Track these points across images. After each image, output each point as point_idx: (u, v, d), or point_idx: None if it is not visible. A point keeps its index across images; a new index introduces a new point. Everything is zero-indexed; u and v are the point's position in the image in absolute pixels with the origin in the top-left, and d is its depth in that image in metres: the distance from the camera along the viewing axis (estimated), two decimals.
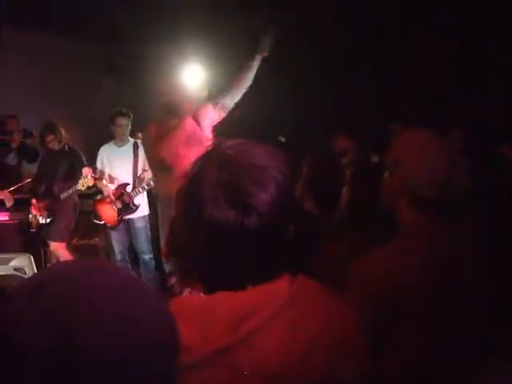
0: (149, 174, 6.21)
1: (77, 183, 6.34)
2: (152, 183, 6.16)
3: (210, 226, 1.18)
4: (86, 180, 6.29)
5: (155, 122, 4.33)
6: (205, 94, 4.82)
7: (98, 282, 0.84)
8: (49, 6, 7.07)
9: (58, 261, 6.48)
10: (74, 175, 6.46)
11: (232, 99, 4.60)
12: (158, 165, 4.50)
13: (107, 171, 6.53)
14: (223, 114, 4.59)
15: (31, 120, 7.50)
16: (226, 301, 1.22)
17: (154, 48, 7.76)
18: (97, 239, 7.27)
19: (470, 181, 3.08)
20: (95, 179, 6.29)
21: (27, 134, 7.32)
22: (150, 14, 7.25)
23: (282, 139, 6.00)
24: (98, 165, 6.60)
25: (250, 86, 4.50)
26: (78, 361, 0.76)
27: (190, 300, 1.41)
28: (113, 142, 6.63)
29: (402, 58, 6.80)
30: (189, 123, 4.19)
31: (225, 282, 1.24)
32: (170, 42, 7.38)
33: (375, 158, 5.50)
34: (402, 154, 2.03)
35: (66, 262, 0.92)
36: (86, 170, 6.28)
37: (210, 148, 1.30)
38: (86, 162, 6.60)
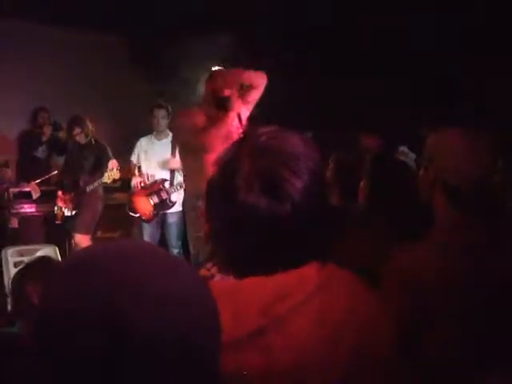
0: None
1: (102, 176, 6.40)
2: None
3: (244, 212, 1.18)
4: (111, 173, 6.34)
5: (203, 112, 4.31)
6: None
7: (148, 262, 0.85)
8: (72, 3, 7.14)
9: None
10: (99, 168, 6.53)
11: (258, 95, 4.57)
12: (192, 154, 4.42)
13: (144, 164, 6.57)
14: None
15: (61, 113, 7.57)
16: (256, 285, 1.23)
17: (186, 47, 7.80)
18: (119, 233, 7.32)
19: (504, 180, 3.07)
20: (125, 171, 6.33)
21: (57, 127, 7.39)
22: (183, 13, 7.27)
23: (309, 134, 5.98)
24: (134, 158, 6.66)
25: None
26: (126, 336, 0.77)
27: (221, 284, 1.43)
28: (152, 134, 6.67)
29: (430, 57, 6.77)
30: (233, 119, 4.18)
31: (256, 267, 1.24)
32: (202, 42, 7.43)
33: (404, 152, 5.49)
34: (435, 151, 2.07)
35: (117, 241, 0.93)
36: (112, 163, 6.32)
37: (242, 135, 1.31)
38: (112, 156, 6.65)
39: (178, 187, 6.34)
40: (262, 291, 1.22)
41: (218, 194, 1.25)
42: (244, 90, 4.24)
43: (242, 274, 1.26)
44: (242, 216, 1.19)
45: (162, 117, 6.51)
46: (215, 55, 7.96)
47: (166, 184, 6.43)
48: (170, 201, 6.41)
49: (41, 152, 7.52)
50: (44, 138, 7.49)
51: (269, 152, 1.22)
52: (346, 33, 7.01)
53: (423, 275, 1.89)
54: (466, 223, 1.97)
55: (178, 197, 6.44)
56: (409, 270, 1.91)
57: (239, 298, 1.22)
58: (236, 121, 4.16)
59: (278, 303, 1.20)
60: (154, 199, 6.41)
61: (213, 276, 1.84)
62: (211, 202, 1.27)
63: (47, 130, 7.48)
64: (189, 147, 4.35)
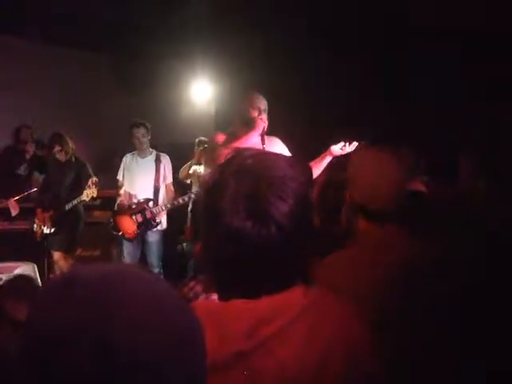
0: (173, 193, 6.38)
1: (82, 194, 6.37)
2: (177, 203, 6.22)
3: (230, 235, 1.19)
4: (90, 191, 6.31)
5: (225, 133, 4.39)
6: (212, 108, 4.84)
7: (132, 286, 0.85)
8: (72, 21, 7.16)
9: (61, 271, 6.49)
10: (79, 186, 6.48)
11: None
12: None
13: (127, 182, 6.54)
14: None
15: (41, 129, 7.56)
16: (242, 308, 1.23)
17: (163, 62, 7.85)
18: (99, 251, 7.28)
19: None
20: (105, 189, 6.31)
21: (40, 145, 7.36)
22: (161, 29, 7.32)
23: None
24: (119, 176, 6.63)
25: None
26: (111, 357, 0.77)
27: (206, 305, 1.43)
28: (136, 152, 6.63)
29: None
30: (254, 138, 4.22)
31: (241, 289, 1.24)
32: (180, 57, 7.47)
33: None
34: (353, 170, 2.17)
35: (102, 264, 0.93)
36: (92, 181, 6.30)
37: (229, 158, 1.31)
38: (91, 173, 6.62)
39: (163, 207, 6.33)
40: (248, 314, 1.22)
41: (204, 216, 1.26)
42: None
43: (227, 295, 1.27)
44: (227, 238, 1.19)
45: (141, 135, 6.48)
46: (191, 72, 8.04)
47: (151, 204, 6.40)
48: (155, 221, 6.36)
49: (22, 169, 7.48)
50: (27, 156, 7.45)
51: (254, 175, 1.22)
52: None
53: (335, 282, 1.89)
54: (383, 240, 2.04)
55: (162, 217, 6.44)
56: (324, 276, 1.90)
57: (224, 320, 1.22)
58: (258, 140, 4.19)
59: (263, 326, 1.20)
60: (138, 218, 6.36)
61: (196, 295, 1.84)
62: (198, 223, 1.28)
63: (30, 148, 7.45)
64: (209, 163, 4.44)
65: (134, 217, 6.36)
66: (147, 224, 6.35)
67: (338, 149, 4.44)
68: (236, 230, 1.18)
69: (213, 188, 1.25)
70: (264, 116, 4.28)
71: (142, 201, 6.42)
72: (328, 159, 4.46)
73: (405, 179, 2.15)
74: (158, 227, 6.43)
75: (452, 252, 2.21)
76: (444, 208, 2.90)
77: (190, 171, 7.05)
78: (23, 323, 0.86)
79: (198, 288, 2.14)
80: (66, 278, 0.87)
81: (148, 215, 6.34)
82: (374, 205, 2.04)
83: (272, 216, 1.18)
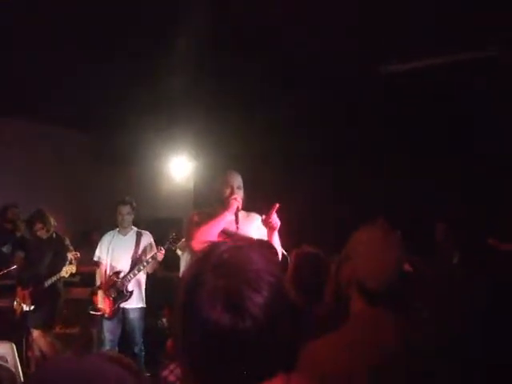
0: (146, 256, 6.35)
1: (61, 271, 6.37)
2: (146, 263, 6.24)
3: (206, 328, 1.22)
4: (69, 267, 6.33)
5: (200, 212, 4.46)
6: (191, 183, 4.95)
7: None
8: (48, 98, 7.31)
9: (40, 349, 6.43)
10: (59, 263, 6.49)
11: None
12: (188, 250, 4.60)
13: (109, 259, 6.51)
14: None
15: (21, 204, 7.63)
16: None
17: (143, 138, 8.00)
18: (78, 329, 7.23)
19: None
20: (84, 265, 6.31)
21: (28, 226, 7.40)
22: (140, 106, 7.50)
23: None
24: (98, 252, 6.60)
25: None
26: None
27: None
28: (116, 230, 6.65)
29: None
30: (228, 217, 4.28)
31: (220, 381, 1.27)
32: (159, 133, 7.63)
33: None
34: (350, 249, 2.21)
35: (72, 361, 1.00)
36: (72, 255, 6.32)
37: (205, 252, 1.35)
38: (72, 248, 6.65)
39: (131, 275, 6.34)
40: None
41: (181, 310, 1.29)
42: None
43: None
44: (204, 332, 1.23)
45: (126, 213, 6.52)
46: (171, 147, 8.17)
47: (121, 275, 6.38)
48: (127, 290, 6.34)
49: (6, 248, 7.49)
50: (18, 234, 7.48)
51: (230, 269, 1.27)
52: None
53: (324, 367, 1.94)
54: (377, 320, 2.08)
55: (138, 291, 6.44)
56: (313, 362, 1.94)
57: None
58: (232, 219, 4.25)
59: None
60: (113, 293, 6.37)
61: (177, 378, 1.87)
62: (177, 314, 1.33)
63: (22, 226, 7.48)
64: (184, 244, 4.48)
65: (108, 294, 6.36)
66: (121, 296, 6.33)
67: (265, 221, 4.35)
68: (213, 323, 1.21)
69: (191, 282, 1.30)
70: (239, 193, 4.33)
71: (111, 275, 6.43)
72: (274, 232, 4.36)
73: (403, 259, 2.20)
74: (137, 304, 6.42)
75: (445, 331, 2.27)
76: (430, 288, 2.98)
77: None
78: None
79: (178, 371, 2.16)
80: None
81: (120, 287, 6.33)
82: (375, 283, 2.08)
83: (248, 309, 1.22)
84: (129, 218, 6.56)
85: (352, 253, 2.20)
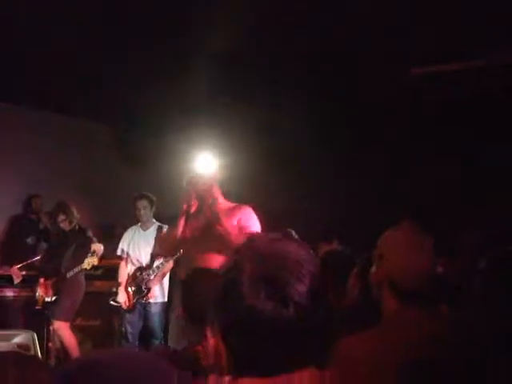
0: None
1: (83, 263, 6.42)
2: (161, 265, 6.28)
3: (249, 316, 1.23)
4: (91, 259, 6.36)
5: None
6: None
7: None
8: (77, 93, 7.38)
9: (61, 340, 6.48)
10: (81, 255, 6.53)
11: None
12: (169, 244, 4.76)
13: (130, 254, 6.60)
14: None
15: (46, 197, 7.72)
16: None
17: (167, 137, 8.03)
18: (99, 321, 7.26)
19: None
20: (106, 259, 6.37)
21: (51, 217, 7.48)
22: (166, 104, 7.52)
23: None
24: (119, 250, 6.71)
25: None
26: None
27: None
28: (139, 224, 6.71)
29: None
30: (208, 213, 4.36)
31: (253, 369, 1.27)
32: (184, 132, 7.65)
33: None
34: (384, 248, 2.21)
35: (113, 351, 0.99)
36: (95, 247, 6.37)
37: (243, 244, 1.36)
38: (95, 240, 6.69)
39: (151, 272, 6.39)
40: None
41: (223, 297, 1.29)
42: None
43: (237, 375, 1.29)
44: (247, 319, 1.24)
45: (143, 207, 6.57)
46: (198, 144, 8.17)
47: (142, 270, 6.46)
48: (146, 287, 6.40)
49: (31, 239, 7.58)
50: (41, 226, 7.56)
51: (271, 258, 1.28)
52: None
53: (358, 364, 1.95)
54: (411, 319, 2.07)
55: (158, 286, 6.48)
56: (347, 358, 1.96)
57: None
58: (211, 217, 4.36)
59: None
60: (133, 287, 6.44)
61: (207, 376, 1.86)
62: (217, 303, 1.33)
63: (45, 218, 7.56)
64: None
65: (129, 287, 6.46)
66: (139, 291, 6.41)
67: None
68: (257, 311, 1.22)
69: (231, 273, 1.30)
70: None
71: (134, 270, 6.51)
72: None
73: (435, 260, 2.21)
74: (158, 299, 6.48)
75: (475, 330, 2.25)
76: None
77: None
78: None
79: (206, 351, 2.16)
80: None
81: (140, 282, 6.41)
82: (410, 283, 2.10)
83: (291, 297, 1.23)
84: (146, 213, 6.60)
85: (386, 252, 2.19)
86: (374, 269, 2.26)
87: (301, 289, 1.25)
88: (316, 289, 1.28)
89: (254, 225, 4.46)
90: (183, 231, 4.45)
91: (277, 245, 1.33)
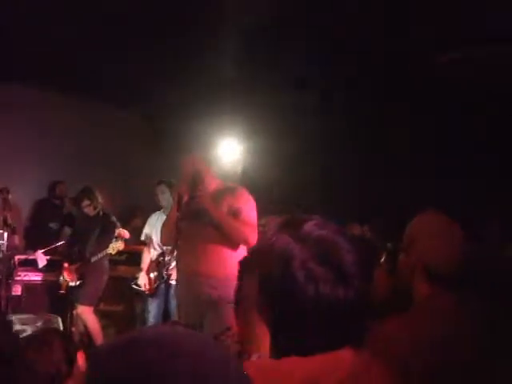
0: None
1: (108, 248, 6.43)
2: None
3: (305, 298, 1.23)
4: (116, 244, 6.38)
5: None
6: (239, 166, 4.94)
7: (186, 348, 0.88)
8: (102, 80, 7.39)
9: (84, 324, 6.51)
10: (105, 240, 6.56)
11: None
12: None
13: (154, 239, 6.59)
14: None
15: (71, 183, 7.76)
16: (293, 367, 1.25)
17: (191, 122, 8.01)
18: (122, 306, 7.29)
19: None
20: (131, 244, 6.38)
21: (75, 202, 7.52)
22: (189, 91, 7.50)
23: None
24: (145, 231, 6.73)
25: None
26: None
27: (258, 363, 1.44)
28: (162, 210, 6.67)
29: None
30: (205, 197, 4.28)
31: (299, 348, 1.26)
32: (208, 117, 7.63)
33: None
34: (417, 234, 2.20)
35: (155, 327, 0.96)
36: (120, 231, 6.38)
37: (284, 226, 1.35)
38: (119, 225, 6.70)
39: (172, 258, 6.36)
40: (298, 373, 1.23)
41: (274, 284, 1.29)
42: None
43: (283, 354, 1.29)
44: (303, 300, 1.23)
45: (161, 192, 6.57)
46: (223, 129, 8.18)
47: (164, 256, 6.46)
48: (167, 273, 6.40)
49: (54, 224, 7.63)
50: (65, 211, 7.61)
51: (321, 242, 1.28)
52: None
53: (396, 346, 1.94)
54: (444, 303, 2.07)
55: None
56: (383, 341, 1.94)
57: (274, 378, 1.24)
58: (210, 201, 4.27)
59: None
60: (155, 272, 6.47)
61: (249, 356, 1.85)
62: (263, 289, 1.31)
63: (69, 204, 7.61)
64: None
65: (152, 272, 6.50)
66: (160, 276, 6.44)
67: None
68: (313, 293, 1.23)
69: (281, 257, 1.28)
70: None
71: (157, 256, 6.54)
72: None
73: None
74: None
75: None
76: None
77: None
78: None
79: (235, 337, 2.15)
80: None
81: (161, 268, 6.44)
82: (445, 268, 2.10)
83: (351, 278, 1.25)
84: (165, 197, 6.55)
85: (418, 236, 2.18)
86: (402, 256, 2.25)
87: (357, 271, 1.26)
88: (365, 272, 1.30)
89: (247, 206, 4.33)
90: (177, 221, 4.32)
91: (325, 228, 1.32)
